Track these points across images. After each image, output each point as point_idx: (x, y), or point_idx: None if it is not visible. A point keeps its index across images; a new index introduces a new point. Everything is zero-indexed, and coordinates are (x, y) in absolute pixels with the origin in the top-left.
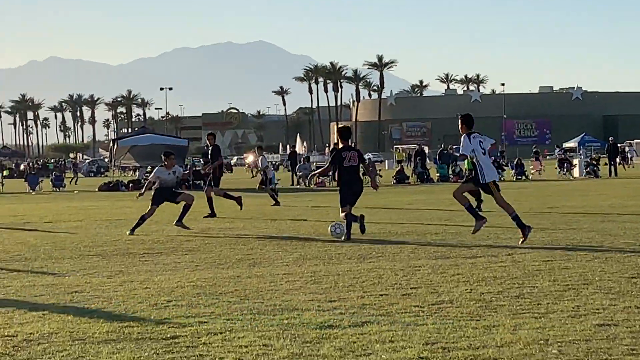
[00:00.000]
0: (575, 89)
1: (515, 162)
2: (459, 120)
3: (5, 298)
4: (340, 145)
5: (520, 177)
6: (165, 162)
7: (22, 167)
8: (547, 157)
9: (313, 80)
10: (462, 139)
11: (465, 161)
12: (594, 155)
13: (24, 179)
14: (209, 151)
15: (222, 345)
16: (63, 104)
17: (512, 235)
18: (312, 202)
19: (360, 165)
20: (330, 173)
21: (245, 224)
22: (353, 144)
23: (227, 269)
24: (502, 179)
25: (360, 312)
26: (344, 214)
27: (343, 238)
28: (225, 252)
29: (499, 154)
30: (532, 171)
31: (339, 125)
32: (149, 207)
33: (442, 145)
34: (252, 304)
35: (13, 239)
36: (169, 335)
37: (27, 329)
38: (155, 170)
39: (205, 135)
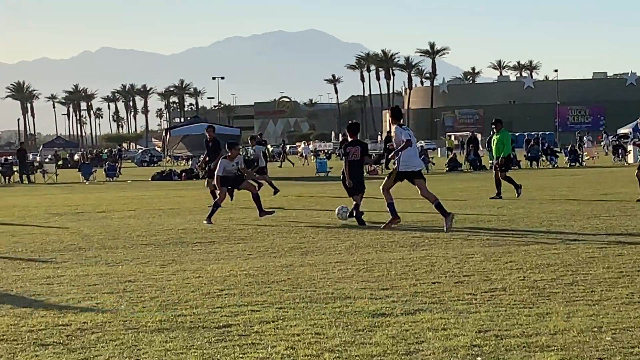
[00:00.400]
0: (629, 74)
1: (569, 149)
2: (389, 113)
3: (59, 287)
4: (350, 139)
5: (574, 163)
6: (230, 153)
7: (75, 157)
8: (601, 144)
9: (365, 68)
10: (394, 129)
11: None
12: None
13: (77, 169)
14: (209, 145)
15: (274, 333)
16: (116, 94)
17: (565, 222)
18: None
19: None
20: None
21: (298, 213)
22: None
23: (279, 257)
24: (556, 165)
25: (412, 300)
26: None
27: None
28: (278, 240)
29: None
30: (586, 157)
31: (350, 122)
32: (219, 192)
33: (492, 133)
34: (305, 292)
35: (67, 229)
36: (221, 324)
37: (81, 318)
38: (220, 163)
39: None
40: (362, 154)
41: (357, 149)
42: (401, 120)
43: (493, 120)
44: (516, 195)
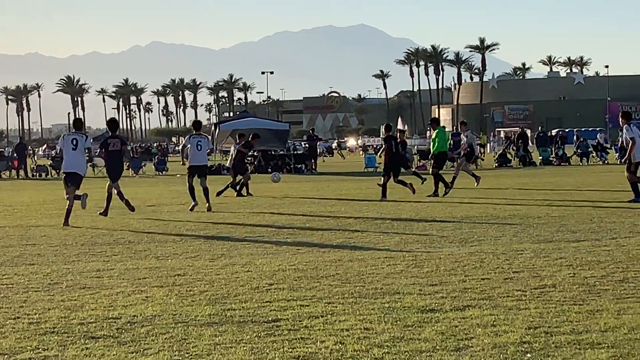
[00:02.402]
0: None
1: (619, 145)
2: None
3: (109, 281)
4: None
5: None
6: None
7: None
8: None
9: (414, 64)
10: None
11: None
12: None
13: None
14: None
15: (323, 328)
16: (165, 88)
17: (615, 219)
18: (414, 185)
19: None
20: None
21: (347, 208)
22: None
23: (328, 252)
24: (606, 161)
25: (461, 296)
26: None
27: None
28: (327, 235)
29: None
30: None
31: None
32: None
33: (540, 129)
34: (353, 287)
35: (117, 222)
36: (270, 319)
37: (131, 312)
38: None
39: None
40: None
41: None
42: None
43: (430, 120)
44: (442, 194)
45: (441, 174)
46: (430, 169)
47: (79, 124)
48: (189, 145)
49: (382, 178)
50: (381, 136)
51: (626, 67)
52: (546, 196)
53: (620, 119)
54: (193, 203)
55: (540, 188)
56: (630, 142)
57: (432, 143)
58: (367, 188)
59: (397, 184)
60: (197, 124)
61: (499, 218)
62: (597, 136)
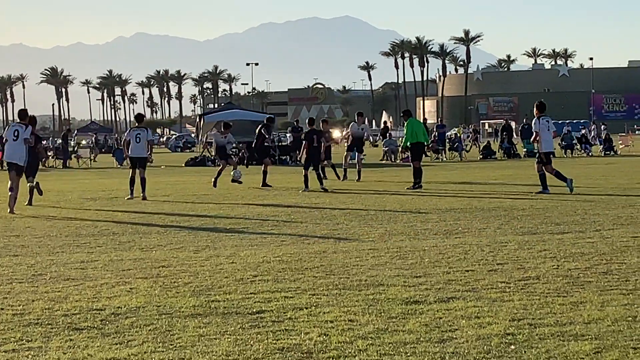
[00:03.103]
0: None
1: (603, 137)
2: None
3: (94, 272)
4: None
5: (608, 152)
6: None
7: (110, 142)
8: (637, 133)
9: (399, 55)
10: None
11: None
12: None
13: (111, 154)
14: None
15: (307, 320)
16: (150, 79)
17: (600, 211)
18: (397, 177)
19: None
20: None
21: (331, 200)
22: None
23: (312, 244)
24: (590, 154)
25: (446, 288)
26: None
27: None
28: (311, 227)
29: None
30: (621, 146)
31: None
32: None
33: (525, 120)
34: (338, 279)
35: (101, 214)
36: (254, 310)
37: (115, 303)
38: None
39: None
40: None
41: None
42: None
43: (402, 112)
44: (410, 187)
45: (420, 167)
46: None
47: (22, 114)
48: (129, 138)
49: (304, 170)
50: (304, 130)
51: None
52: (530, 188)
53: (535, 110)
54: (130, 196)
55: (524, 180)
56: (535, 134)
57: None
58: (351, 180)
59: (315, 177)
60: (139, 116)
61: (483, 210)
62: (581, 129)
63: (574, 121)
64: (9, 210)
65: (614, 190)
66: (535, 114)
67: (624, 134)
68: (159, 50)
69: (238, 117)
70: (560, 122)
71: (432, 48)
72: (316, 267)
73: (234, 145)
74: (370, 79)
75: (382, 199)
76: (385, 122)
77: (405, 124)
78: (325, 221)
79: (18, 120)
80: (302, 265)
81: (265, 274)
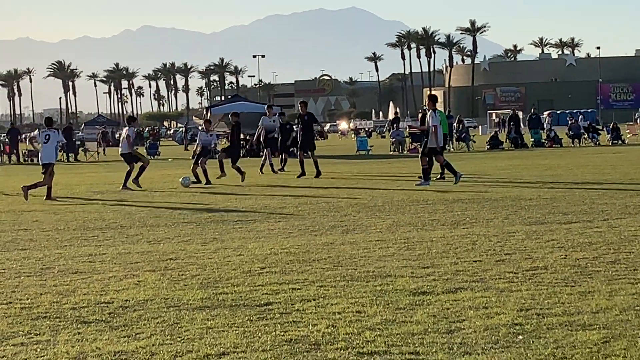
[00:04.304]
0: None
1: (611, 127)
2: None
3: (101, 265)
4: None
5: (616, 141)
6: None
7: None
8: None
9: (405, 46)
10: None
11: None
12: None
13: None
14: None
15: (315, 311)
16: (157, 72)
17: (607, 201)
18: (405, 168)
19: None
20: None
21: (339, 191)
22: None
23: (320, 235)
24: (598, 143)
25: (453, 279)
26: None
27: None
28: (318, 219)
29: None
30: (629, 135)
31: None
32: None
33: (532, 110)
34: (345, 270)
35: (109, 207)
36: (262, 302)
37: (123, 296)
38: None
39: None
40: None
41: None
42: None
43: (427, 97)
44: (436, 178)
45: (447, 160)
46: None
47: (49, 121)
48: (38, 139)
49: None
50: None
51: (618, 49)
52: (538, 178)
53: (427, 102)
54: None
55: (532, 170)
56: (433, 128)
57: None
58: (359, 172)
59: (234, 169)
60: (48, 120)
61: (491, 200)
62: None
63: (582, 110)
64: (45, 197)
65: (622, 180)
66: (428, 106)
67: (631, 123)
68: (166, 43)
69: (245, 109)
70: (567, 111)
71: (438, 39)
72: (324, 258)
73: (214, 144)
74: (377, 70)
75: (389, 190)
76: (396, 113)
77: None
78: (332, 213)
79: (45, 127)
80: (309, 257)
81: (272, 266)
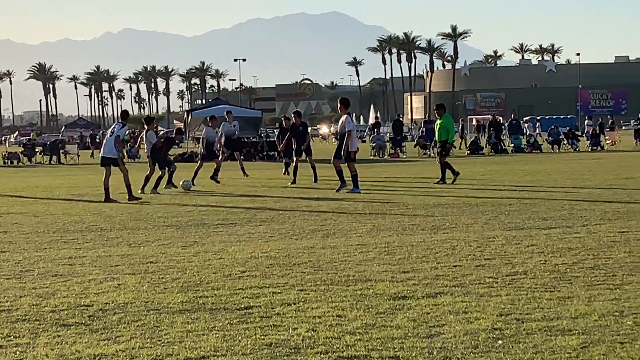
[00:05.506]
0: None
1: (590, 133)
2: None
3: (81, 268)
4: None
5: (595, 147)
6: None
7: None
8: (623, 128)
9: (387, 51)
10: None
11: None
12: None
13: (100, 150)
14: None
15: (295, 315)
16: (138, 75)
17: (587, 206)
18: (385, 172)
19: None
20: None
21: (319, 195)
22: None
23: (300, 239)
24: (577, 149)
25: (433, 283)
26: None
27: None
28: (299, 223)
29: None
30: (608, 142)
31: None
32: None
33: (513, 116)
34: (326, 274)
35: (89, 210)
36: (242, 306)
37: (103, 299)
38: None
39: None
40: None
41: None
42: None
43: (435, 106)
44: (451, 181)
45: (448, 162)
46: (438, 158)
47: (124, 114)
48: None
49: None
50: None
51: (597, 55)
52: (517, 183)
53: (339, 106)
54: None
55: (511, 176)
56: (347, 133)
57: (438, 130)
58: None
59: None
60: (123, 113)
61: (471, 205)
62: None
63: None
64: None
65: (601, 185)
66: (341, 110)
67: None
68: (147, 46)
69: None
70: (547, 117)
71: (419, 44)
72: (304, 262)
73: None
74: (358, 74)
75: (369, 195)
76: (376, 118)
77: (444, 120)
78: (313, 217)
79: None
80: (290, 260)
81: (253, 270)
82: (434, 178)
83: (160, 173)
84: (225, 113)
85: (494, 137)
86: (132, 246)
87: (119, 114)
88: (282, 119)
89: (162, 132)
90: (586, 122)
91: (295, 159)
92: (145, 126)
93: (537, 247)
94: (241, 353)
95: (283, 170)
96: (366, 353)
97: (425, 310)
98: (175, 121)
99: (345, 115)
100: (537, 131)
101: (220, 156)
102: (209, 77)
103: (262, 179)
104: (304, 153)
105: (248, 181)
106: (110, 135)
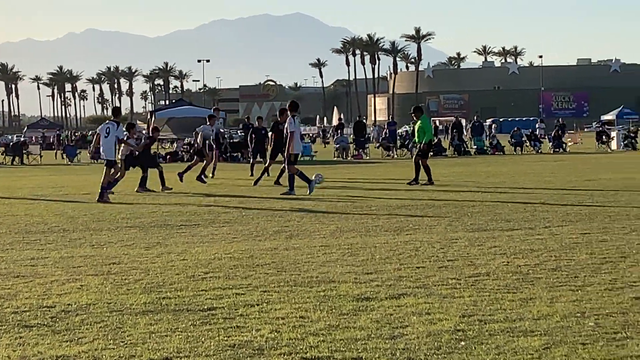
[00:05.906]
0: (613, 61)
1: (552, 135)
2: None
3: (44, 269)
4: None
5: (557, 149)
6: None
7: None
8: (585, 130)
9: (350, 53)
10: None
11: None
12: (631, 128)
13: (62, 151)
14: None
15: (258, 316)
16: (101, 75)
17: (549, 208)
18: (349, 174)
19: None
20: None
21: (282, 197)
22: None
23: (264, 241)
24: (540, 151)
25: (396, 285)
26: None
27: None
28: (262, 224)
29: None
30: (570, 143)
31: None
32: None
33: (476, 118)
34: (289, 275)
35: (52, 210)
36: (206, 307)
37: (66, 300)
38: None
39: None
40: None
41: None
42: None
43: (412, 109)
44: (423, 183)
45: (429, 166)
46: (414, 157)
47: (116, 112)
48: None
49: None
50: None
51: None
52: (480, 185)
53: (288, 109)
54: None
55: (474, 177)
56: (289, 135)
57: (417, 132)
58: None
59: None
60: (114, 110)
61: (434, 207)
62: (537, 126)
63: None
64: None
65: (563, 187)
66: (289, 110)
67: (572, 132)
68: (110, 46)
69: (189, 113)
70: (510, 119)
71: (383, 45)
72: (267, 264)
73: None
74: (321, 76)
75: (333, 196)
76: (340, 119)
77: (422, 122)
78: (276, 218)
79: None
80: (253, 262)
81: (216, 271)
82: (397, 179)
83: (145, 174)
84: (207, 117)
85: (457, 138)
86: (94, 247)
87: (111, 111)
88: (257, 119)
89: (144, 132)
90: (537, 124)
91: (267, 160)
92: (126, 133)
93: (500, 248)
94: (204, 354)
95: (249, 172)
96: (329, 354)
97: (389, 312)
98: (138, 122)
99: (290, 117)
100: (493, 132)
101: (207, 157)
102: (172, 77)
103: (224, 180)
104: (273, 155)
105: (211, 182)
106: (106, 137)
